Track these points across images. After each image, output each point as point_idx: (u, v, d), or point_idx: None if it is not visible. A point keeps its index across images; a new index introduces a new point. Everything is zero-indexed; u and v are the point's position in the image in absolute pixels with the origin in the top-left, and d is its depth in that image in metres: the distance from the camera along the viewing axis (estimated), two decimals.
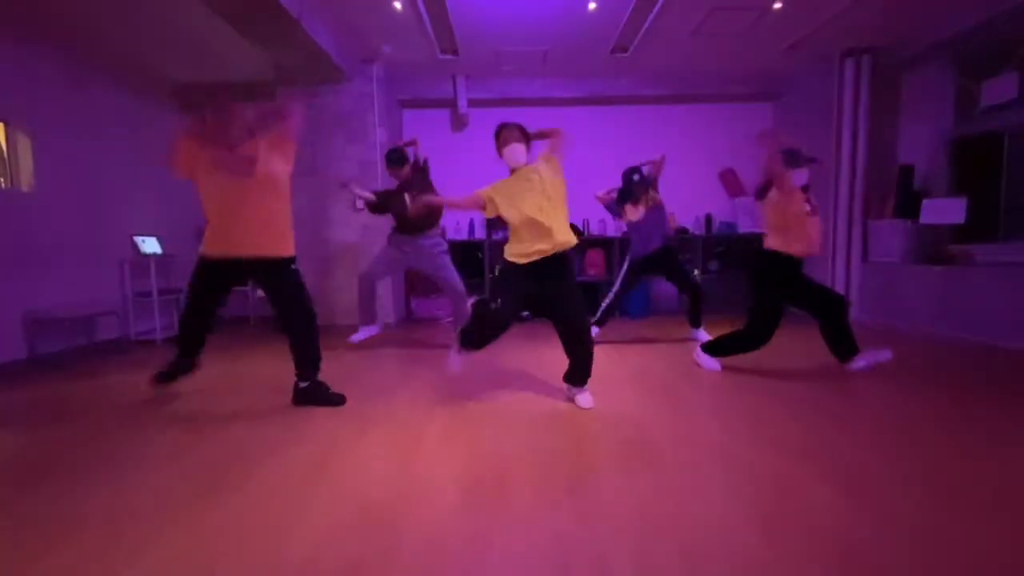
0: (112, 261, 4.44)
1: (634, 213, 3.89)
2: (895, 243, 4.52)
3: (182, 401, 2.70)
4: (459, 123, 5.60)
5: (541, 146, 2.53)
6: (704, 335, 3.80)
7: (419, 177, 3.77)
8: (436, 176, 3.93)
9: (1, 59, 3.57)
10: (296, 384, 2.59)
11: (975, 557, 1.24)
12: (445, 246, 3.91)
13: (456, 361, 2.67)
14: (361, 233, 5.05)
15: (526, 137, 2.45)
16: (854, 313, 4.83)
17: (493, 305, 2.47)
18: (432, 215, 3.76)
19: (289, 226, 2.61)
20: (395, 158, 3.76)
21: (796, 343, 3.62)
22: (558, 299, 2.42)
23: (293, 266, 2.61)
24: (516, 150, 2.41)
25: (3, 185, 3.69)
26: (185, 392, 2.83)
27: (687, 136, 5.67)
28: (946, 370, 3.06)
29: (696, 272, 5.57)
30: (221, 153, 2.43)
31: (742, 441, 2.00)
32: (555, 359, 3.01)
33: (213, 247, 2.53)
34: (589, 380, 2.50)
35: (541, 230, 2.33)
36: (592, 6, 3.41)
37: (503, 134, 2.44)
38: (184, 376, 2.82)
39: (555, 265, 2.39)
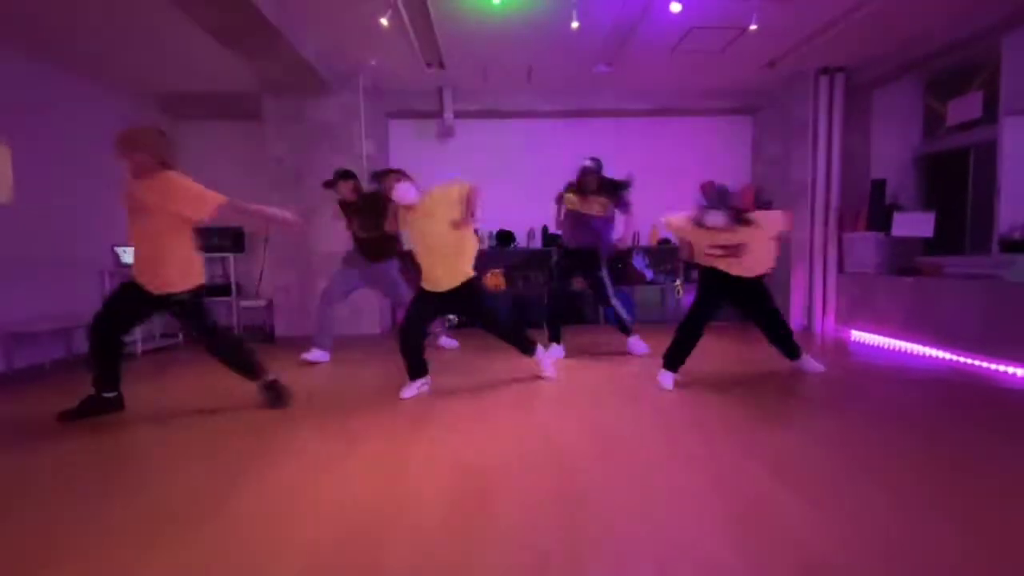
0: (92, 272, 4.38)
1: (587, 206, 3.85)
2: (868, 255, 4.67)
3: (157, 421, 2.69)
4: (444, 133, 5.64)
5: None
6: (639, 343, 3.98)
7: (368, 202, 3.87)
8: (422, 185, 3.96)
9: None
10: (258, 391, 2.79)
11: (938, 556, 1.31)
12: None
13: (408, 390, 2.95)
14: (346, 243, 5.05)
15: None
16: (829, 322, 4.99)
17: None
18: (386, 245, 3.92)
19: (181, 263, 2.60)
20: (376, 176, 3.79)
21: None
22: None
23: (179, 299, 2.63)
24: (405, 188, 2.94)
25: None
26: (163, 410, 2.82)
27: (670, 148, 5.78)
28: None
29: (678, 282, 5.69)
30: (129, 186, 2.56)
31: (725, 457, 2.06)
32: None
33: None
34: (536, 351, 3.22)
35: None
36: (575, 25, 3.49)
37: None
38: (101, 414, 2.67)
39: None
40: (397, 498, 1.74)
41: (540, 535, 1.49)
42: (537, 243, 5.73)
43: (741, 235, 2.88)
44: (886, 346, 4.31)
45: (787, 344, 3.27)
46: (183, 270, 2.62)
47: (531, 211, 5.63)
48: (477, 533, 1.51)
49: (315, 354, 3.88)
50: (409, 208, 2.97)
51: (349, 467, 2.01)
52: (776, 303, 3.25)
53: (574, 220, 3.89)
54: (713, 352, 3.93)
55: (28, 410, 2.90)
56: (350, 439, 2.31)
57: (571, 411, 2.67)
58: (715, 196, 2.92)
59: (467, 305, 3.12)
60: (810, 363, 3.32)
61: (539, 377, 3.25)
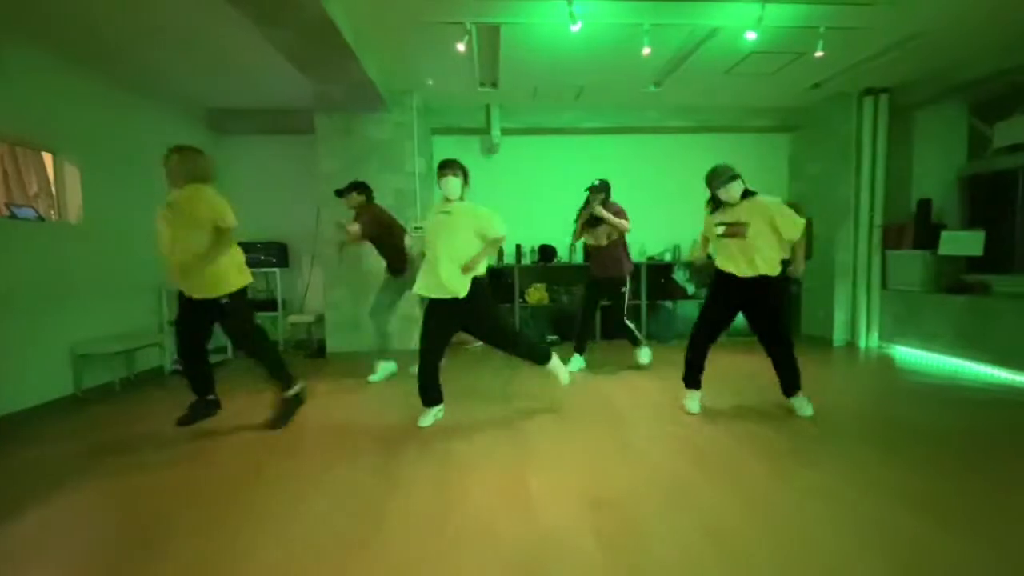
0: (150, 289, 4.38)
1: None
2: (914, 272, 4.76)
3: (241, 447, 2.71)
4: (490, 149, 5.68)
5: None
6: (644, 353, 4.23)
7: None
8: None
9: (48, 87, 3.54)
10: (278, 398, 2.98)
11: None
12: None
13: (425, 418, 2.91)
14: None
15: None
16: (873, 338, 5.08)
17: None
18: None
19: (224, 268, 2.79)
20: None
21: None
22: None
23: (225, 300, 2.80)
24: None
25: (53, 218, 3.63)
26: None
27: (709, 164, 5.84)
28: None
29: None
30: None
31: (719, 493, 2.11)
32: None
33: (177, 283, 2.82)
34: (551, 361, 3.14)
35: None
36: (646, 51, 3.55)
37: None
38: (206, 417, 2.99)
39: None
40: (547, 534, 1.77)
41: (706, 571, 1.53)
42: (579, 258, 5.78)
43: (741, 212, 2.88)
44: (935, 363, 4.39)
45: (788, 372, 2.98)
46: (220, 275, 2.79)
47: (573, 226, 5.67)
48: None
49: (380, 372, 3.96)
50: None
51: (474, 498, 2.04)
52: (790, 327, 3.10)
53: (593, 252, 4.24)
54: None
55: (143, 429, 2.90)
56: (460, 467, 2.34)
57: (664, 429, 2.71)
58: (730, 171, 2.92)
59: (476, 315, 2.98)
60: (803, 405, 2.98)
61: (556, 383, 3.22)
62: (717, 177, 2.92)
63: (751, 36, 3.40)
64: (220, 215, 2.70)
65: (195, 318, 2.86)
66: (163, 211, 2.72)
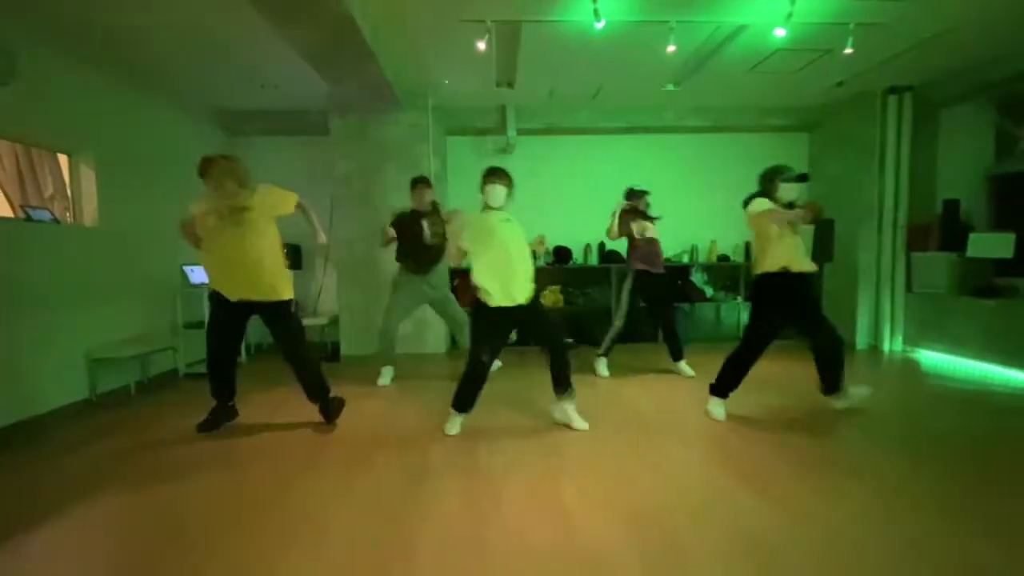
0: (165, 293, 4.34)
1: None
2: (940, 275, 4.65)
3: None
4: (504, 149, 5.61)
5: None
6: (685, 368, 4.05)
7: (436, 209, 3.86)
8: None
9: (64, 88, 3.49)
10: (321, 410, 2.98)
11: None
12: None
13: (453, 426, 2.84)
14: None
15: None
16: (897, 342, 4.97)
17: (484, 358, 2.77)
18: (440, 254, 3.84)
19: (283, 268, 2.89)
20: (420, 180, 3.83)
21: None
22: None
23: (292, 308, 2.89)
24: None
25: (69, 220, 3.59)
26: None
27: (725, 165, 5.76)
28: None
29: (738, 299, 5.66)
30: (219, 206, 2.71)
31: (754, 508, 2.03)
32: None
33: (226, 290, 2.79)
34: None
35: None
36: (671, 48, 3.47)
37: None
38: (227, 422, 2.97)
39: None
40: (586, 550, 1.70)
41: None
42: (594, 259, 5.70)
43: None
44: (964, 368, 4.28)
45: (839, 368, 2.94)
46: (285, 276, 2.88)
47: (587, 227, 5.62)
48: None
49: (385, 376, 3.94)
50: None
51: (507, 511, 1.97)
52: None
53: (642, 245, 4.01)
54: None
55: (160, 436, 2.85)
56: (489, 478, 2.27)
57: (695, 436, 2.64)
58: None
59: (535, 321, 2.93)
60: (850, 396, 2.99)
61: (568, 427, 2.91)
62: (781, 172, 2.85)
63: (780, 33, 3.31)
64: (294, 197, 2.90)
65: (239, 324, 2.87)
66: (224, 216, 2.69)
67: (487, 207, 2.83)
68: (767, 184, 2.89)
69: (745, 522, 1.86)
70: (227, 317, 2.82)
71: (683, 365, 4.08)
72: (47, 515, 2.01)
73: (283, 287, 2.83)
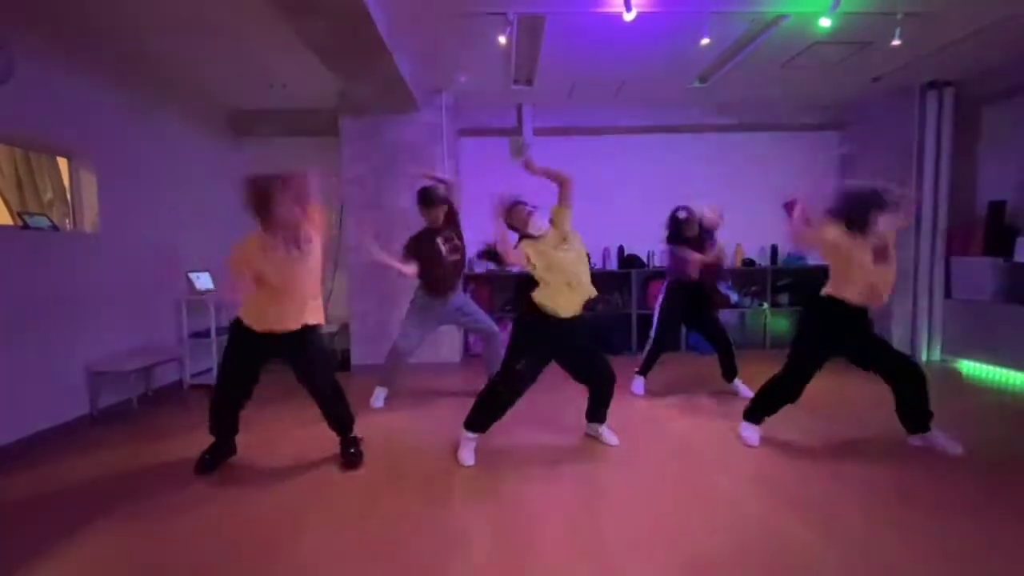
0: (169, 301, 4.16)
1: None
2: (984, 281, 4.39)
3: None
4: (520, 150, 5.39)
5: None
6: (743, 388, 3.65)
7: (452, 222, 3.55)
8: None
9: (63, 88, 3.30)
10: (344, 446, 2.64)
11: None
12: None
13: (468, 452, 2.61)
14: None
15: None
16: (935, 352, 4.72)
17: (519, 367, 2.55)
18: (461, 270, 3.59)
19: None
20: (428, 198, 3.43)
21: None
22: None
23: (317, 324, 2.58)
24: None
25: (68, 226, 3.41)
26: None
27: (753, 164, 5.52)
28: None
29: (765, 305, 5.42)
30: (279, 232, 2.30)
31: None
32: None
33: (259, 322, 2.42)
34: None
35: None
36: (705, 41, 3.25)
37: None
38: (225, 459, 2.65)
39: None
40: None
41: None
42: (613, 264, 5.47)
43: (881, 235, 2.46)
44: (1011, 379, 4.02)
45: (924, 401, 2.63)
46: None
47: (606, 231, 5.41)
48: None
49: (379, 396, 3.67)
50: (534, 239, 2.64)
51: (542, 553, 1.75)
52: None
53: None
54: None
55: (163, 458, 2.66)
56: (518, 511, 2.06)
57: (745, 467, 2.41)
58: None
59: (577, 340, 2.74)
60: (943, 439, 2.62)
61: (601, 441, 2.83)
62: (879, 198, 2.46)
63: (825, 23, 3.07)
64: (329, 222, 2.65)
65: (260, 361, 2.56)
66: (292, 248, 2.31)
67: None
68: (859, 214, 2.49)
69: (821, 573, 1.64)
70: (250, 353, 2.51)
71: (739, 384, 3.71)
72: (17, 560, 1.82)
73: (316, 310, 2.55)
